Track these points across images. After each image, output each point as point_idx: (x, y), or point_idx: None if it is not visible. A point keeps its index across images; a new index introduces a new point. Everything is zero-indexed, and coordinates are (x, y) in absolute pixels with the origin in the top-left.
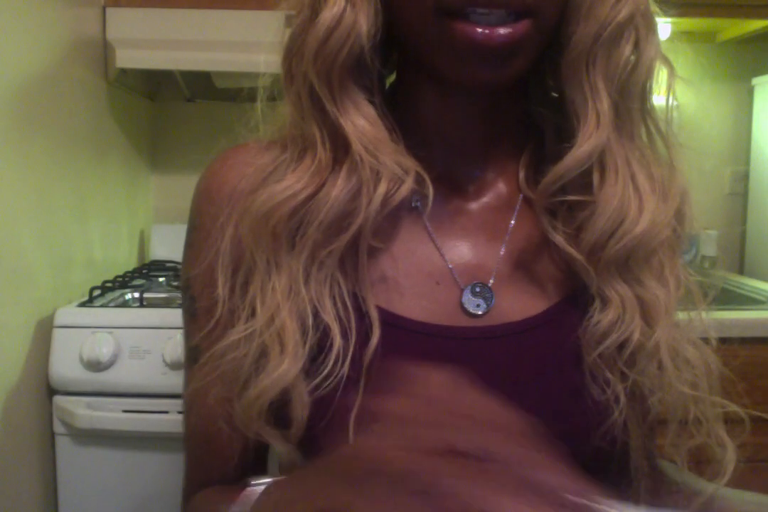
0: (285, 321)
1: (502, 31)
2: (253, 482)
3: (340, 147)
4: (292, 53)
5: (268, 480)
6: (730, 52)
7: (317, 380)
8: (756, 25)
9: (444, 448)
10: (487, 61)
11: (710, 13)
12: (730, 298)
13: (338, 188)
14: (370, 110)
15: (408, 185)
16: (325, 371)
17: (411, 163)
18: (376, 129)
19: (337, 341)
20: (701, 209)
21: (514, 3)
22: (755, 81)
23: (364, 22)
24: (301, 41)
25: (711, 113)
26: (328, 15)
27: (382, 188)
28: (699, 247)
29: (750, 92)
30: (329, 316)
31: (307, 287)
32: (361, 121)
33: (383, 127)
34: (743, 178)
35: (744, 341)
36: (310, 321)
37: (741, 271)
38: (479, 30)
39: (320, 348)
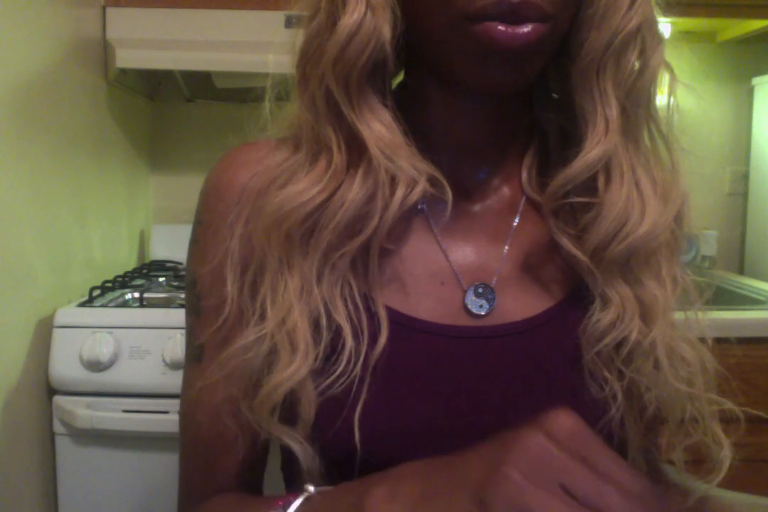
0: (296, 322)
1: (523, 29)
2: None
3: (355, 150)
4: (307, 57)
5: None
6: (730, 52)
7: (330, 379)
8: (756, 25)
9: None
10: (508, 62)
11: (710, 13)
12: (730, 298)
13: (354, 191)
14: (385, 114)
15: (421, 187)
16: (338, 371)
17: (427, 167)
18: (392, 133)
19: (349, 341)
20: (701, 209)
21: (536, 12)
22: (755, 81)
23: (383, 28)
24: (317, 45)
25: (711, 113)
26: (348, 20)
27: (400, 192)
28: (699, 247)
29: (750, 92)
30: (341, 317)
31: (320, 288)
32: (377, 125)
33: (398, 131)
34: (743, 178)
35: (744, 341)
36: (324, 321)
37: (741, 271)
38: (501, 28)
39: (332, 348)
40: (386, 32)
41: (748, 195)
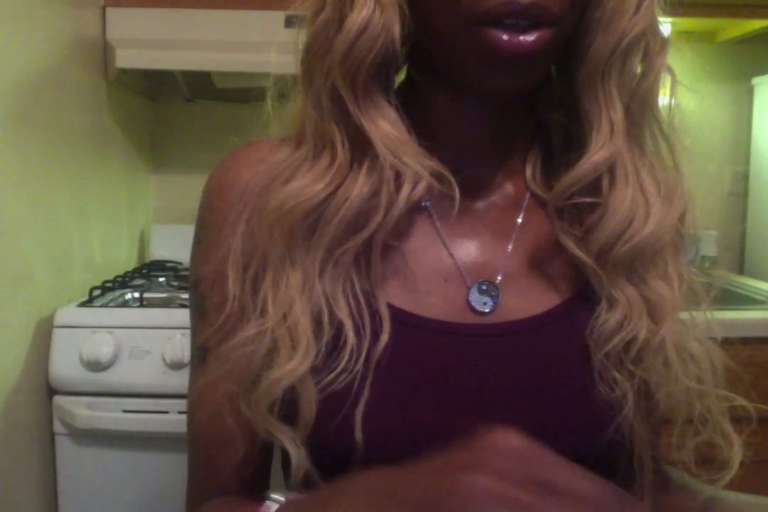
0: (298, 317)
1: (526, 38)
2: (271, 496)
3: (359, 147)
4: (312, 53)
5: (282, 497)
6: (730, 52)
7: (331, 376)
8: (756, 25)
9: None
10: (512, 66)
11: (710, 13)
12: (730, 298)
13: (358, 187)
14: (390, 112)
15: (426, 184)
16: (339, 367)
17: (433, 164)
18: (398, 130)
19: (351, 338)
20: (701, 209)
21: (544, 14)
22: (755, 81)
23: (393, 26)
24: (322, 42)
25: (711, 113)
26: (357, 17)
27: (406, 188)
28: (699, 247)
29: (750, 92)
30: (343, 313)
31: (322, 284)
32: (383, 123)
33: (404, 129)
34: (743, 178)
35: (744, 341)
36: (326, 317)
37: (741, 271)
38: (505, 37)
39: (334, 345)
40: (396, 30)
41: (748, 195)
